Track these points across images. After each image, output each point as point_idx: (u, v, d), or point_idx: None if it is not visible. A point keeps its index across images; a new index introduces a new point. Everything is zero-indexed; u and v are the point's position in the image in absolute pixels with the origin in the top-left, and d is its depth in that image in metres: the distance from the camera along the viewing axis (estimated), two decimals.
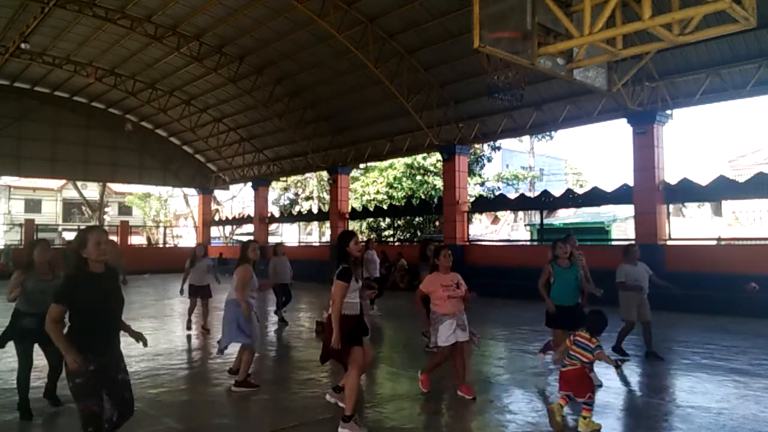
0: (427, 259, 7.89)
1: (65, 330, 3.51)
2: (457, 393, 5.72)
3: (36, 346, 5.17)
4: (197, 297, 10.29)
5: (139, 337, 3.90)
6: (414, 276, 11.38)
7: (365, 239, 15.83)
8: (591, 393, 4.77)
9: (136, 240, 38.44)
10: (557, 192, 18.64)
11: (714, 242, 17.81)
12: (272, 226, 35.26)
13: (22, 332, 5.12)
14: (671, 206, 14.97)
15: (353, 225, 28.46)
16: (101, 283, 3.56)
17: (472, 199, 20.56)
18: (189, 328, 10.11)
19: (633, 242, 8.37)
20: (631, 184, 14.52)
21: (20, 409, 5.12)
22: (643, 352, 8.19)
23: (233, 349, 6.57)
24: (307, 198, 39.96)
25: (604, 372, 6.91)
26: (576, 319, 6.03)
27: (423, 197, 26.10)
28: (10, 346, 5.36)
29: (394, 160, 27.20)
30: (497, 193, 27.98)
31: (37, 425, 5.09)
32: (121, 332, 3.81)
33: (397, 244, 24.95)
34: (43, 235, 37.29)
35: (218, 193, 37.02)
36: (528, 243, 23.54)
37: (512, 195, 24.05)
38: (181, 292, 10.40)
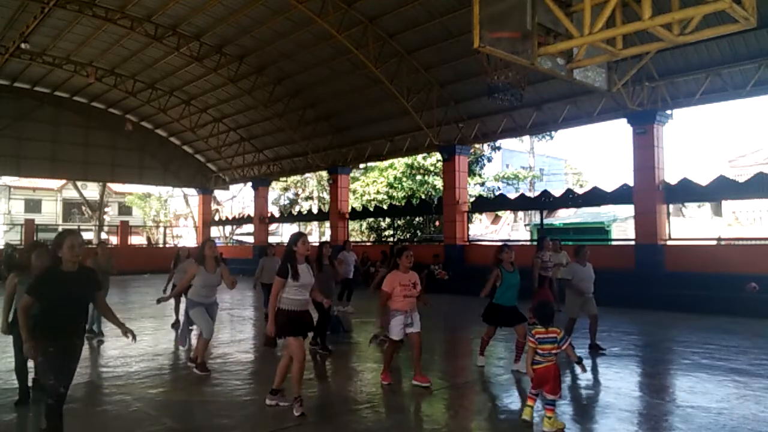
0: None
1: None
2: (413, 383, 6.07)
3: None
4: (180, 296, 10.32)
5: (127, 331, 4.40)
6: None
7: (344, 241, 15.94)
8: (560, 392, 4.86)
9: (136, 240, 38.44)
10: (557, 192, 18.63)
11: (714, 242, 17.81)
12: (272, 226, 35.27)
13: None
14: (671, 206, 14.96)
15: (353, 225, 28.47)
16: (70, 281, 4.06)
17: (472, 199, 20.55)
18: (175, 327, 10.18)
19: (584, 244, 8.63)
20: (631, 184, 14.51)
21: (19, 393, 5.51)
22: (642, 351, 8.19)
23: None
24: (307, 198, 39.98)
25: (604, 372, 6.91)
26: (512, 318, 6.73)
27: (423, 197, 26.10)
28: (9, 346, 5.41)
29: (394, 160, 27.20)
30: (497, 193, 27.97)
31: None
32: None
33: (392, 243, 24.93)
34: (42, 236, 37.30)
35: (218, 193, 37.01)
36: (528, 243, 23.53)
37: (512, 195, 24.04)
38: (164, 291, 10.38)
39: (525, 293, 7.68)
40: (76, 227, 40.86)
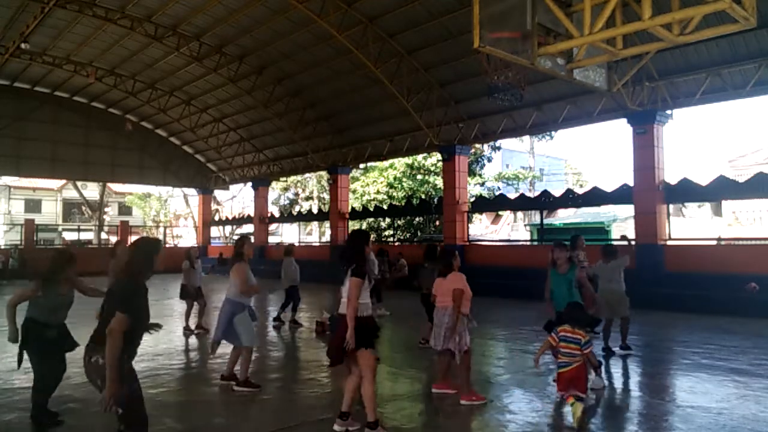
0: (435, 260, 7.86)
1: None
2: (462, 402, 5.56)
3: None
4: (194, 299, 10.33)
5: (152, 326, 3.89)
6: (413, 276, 11.32)
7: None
8: (587, 389, 4.82)
9: None
10: (557, 192, 18.63)
11: (714, 242, 17.80)
12: (272, 226, 35.26)
13: (47, 343, 4.89)
14: (671, 206, 14.96)
15: (353, 225, 28.45)
16: (145, 291, 3.57)
17: (472, 199, 20.55)
18: (188, 330, 10.09)
19: (611, 242, 8.53)
20: (631, 184, 14.51)
21: (38, 415, 4.95)
22: (642, 351, 8.20)
23: (224, 350, 6.58)
24: (307, 198, 39.98)
25: (604, 372, 6.90)
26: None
27: (423, 197, 26.11)
28: (9, 346, 5.35)
29: (395, 160, 27.20)
30: (497, 193, 27.99)
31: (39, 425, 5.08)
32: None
33: (397, 243, 24.95)
34: (42, 236, 37.28)
35: (218, 193, 37.01)
36: (528, 243, 23.55)
37: (512, 195, 24.04)
38: (180, 297, 10.42)
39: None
40: (76, 227, 40.91)
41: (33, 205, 46.63)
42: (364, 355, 4.52)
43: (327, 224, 25.23)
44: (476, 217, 33.38)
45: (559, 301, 6.10)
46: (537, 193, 21.67)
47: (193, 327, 10.10)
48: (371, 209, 24.47)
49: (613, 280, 7.76)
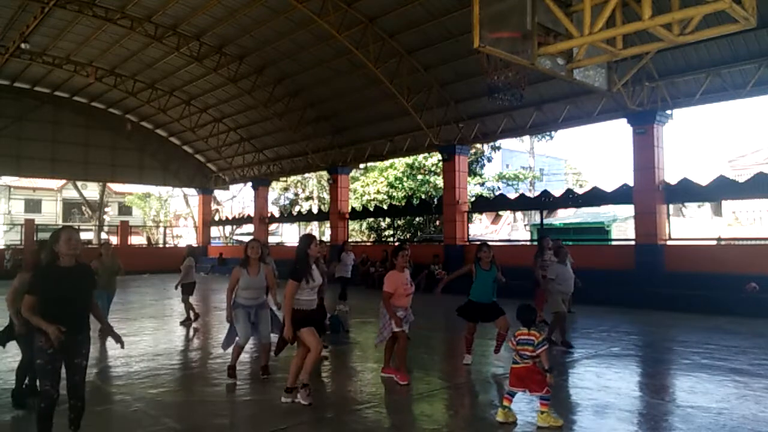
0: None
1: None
2: (383, 374, 6.37)
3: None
4: (186, 294, 11.15)
5: (117, 339, 4.44)
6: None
7: (343, 241, 16.16)
8: (548, 388, 4.85)
9: (136, 240, 38.44)
10: (557, 192, 18.63)
11: (714, 242, 17.80)
12: (272, 226, 35.27)
13: None
14: (671, 206, 14.96)
15: (353, 225, 28.48)
16: (68, 277, 4.05)
17: (472, 199, 20.55)
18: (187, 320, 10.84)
19: (564, 244, 8.81)
20: (631, 184, 14.52)
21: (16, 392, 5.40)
22: (642, 351, 8.19)
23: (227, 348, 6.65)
24: (307, 198, 39.98)
25: (604, 372, 6.91)
26: (488, 314, 6.84)
27: (423, 197, 26.11)
28: (10, 346, 5.37)
29: (395, 160, 27.20)
30: (497, 193, 27.99)
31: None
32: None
33: (397, 244, 24.96)
34: (43, 236, 37.30)
35: (218, 193, 37.00)
36: (528, 243, 23.54)
37: (512, 195, 24.04)
38: (176, 287, 11.19)
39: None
40: (76, 227, 40.84)
41: (33, 205, 46.61)
42: (303, 334, 5.32)
43: (327, 224, 25.21)
44: (476, 217, 33.39)
45: (481, 295, 6.81)
46: (537, 193, 21.68)
47: (192, 318, 10.88)
48: (371, 209, 24.47)
49: (567, 279, 8.07)
